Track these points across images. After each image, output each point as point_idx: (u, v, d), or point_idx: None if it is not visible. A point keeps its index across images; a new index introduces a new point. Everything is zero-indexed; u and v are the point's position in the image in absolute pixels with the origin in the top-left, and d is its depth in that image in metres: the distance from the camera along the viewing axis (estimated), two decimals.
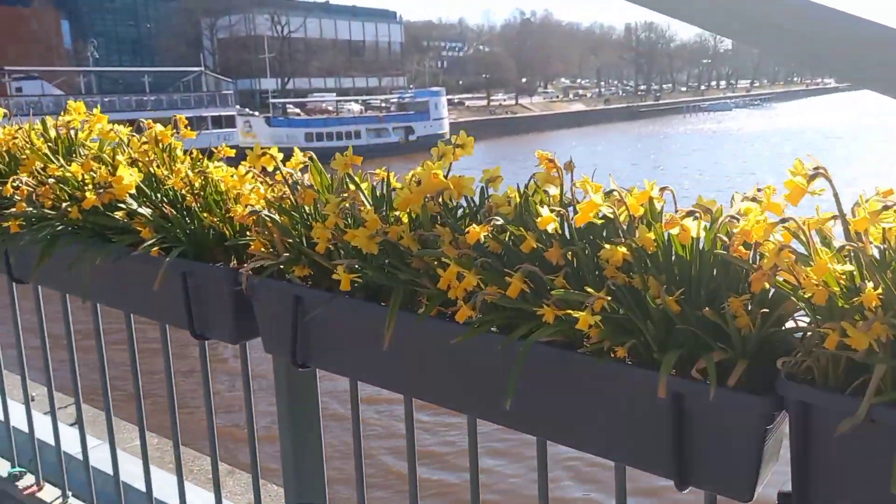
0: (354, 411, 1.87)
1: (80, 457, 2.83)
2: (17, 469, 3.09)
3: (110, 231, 1.89)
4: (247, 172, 1.77)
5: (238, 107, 65.00)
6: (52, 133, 2.20)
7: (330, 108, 72.90)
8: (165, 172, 1.86)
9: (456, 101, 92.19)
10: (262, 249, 1.67)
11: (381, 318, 1.45)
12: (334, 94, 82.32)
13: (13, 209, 1.94)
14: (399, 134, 67.25)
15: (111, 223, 1.86)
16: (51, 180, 1.92)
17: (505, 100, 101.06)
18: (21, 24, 65.69)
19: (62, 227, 1.93)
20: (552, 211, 1.22)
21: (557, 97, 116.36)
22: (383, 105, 75.28)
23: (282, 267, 1.65)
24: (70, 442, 2.93)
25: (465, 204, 1.52)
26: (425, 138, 68.57)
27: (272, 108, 65.72)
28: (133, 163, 1.87)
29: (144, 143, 1.93)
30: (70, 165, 1.93)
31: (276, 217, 1.65)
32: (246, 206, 1.72)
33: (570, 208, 1.30)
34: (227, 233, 1.81)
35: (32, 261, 2.11)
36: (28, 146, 2.14)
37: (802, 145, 56.50)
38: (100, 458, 2.82)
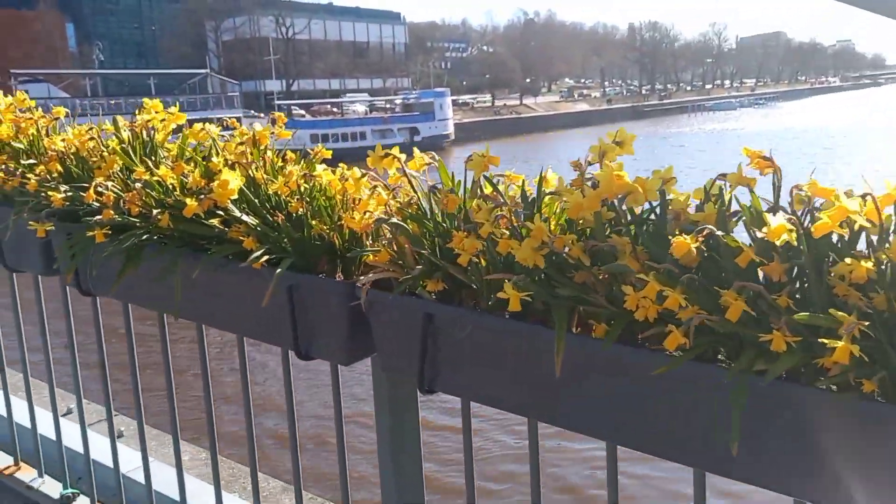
0: (467, 440, 1.72)
1: (137, 475, 2.68)
2: (70, 490, 2.91)
3: (204, 241, 1.71)
4: (363, 175, 1.59)
5: (243, 109, 65.05)
6: (125, 134, 2.02)
7: (335, 109, 72.86)
8: (267, 176, 1.68)
9: (460, 101, 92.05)
10: (386, 261, 1.49)
11: (544, 341, 1.27)
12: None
13: (98, 217, 1.76)
14: (404, 135, 67.11)
15: (205, 232, 1.68)
16: (137, 185, 1.74)
17: (510, 100, 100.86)
18: (26, 26, 65.65)
19: (148, 236, 1.76)
20: (786, 219, 1.03)
21: (566, 95, 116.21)
22: (388, 106, 75.25)
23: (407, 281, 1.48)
24: (126, 462, 2.76)
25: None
26: (430, 139, 68.53)
27: (277, 111, 65.44)
28: (231, 166, 1.69)
29: (240, 143, 1.75)
30: (158, 168, 1.75)
31: (406, 225, 1.47)
32: (365, 212, 1.54)
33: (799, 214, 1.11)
34: (337, 242, 1.63)
35: (107, 272, 1.93)
36: (103, 148, 1.97)
37: (806, 144, 56.26)
38: (160, 479, 2.65)
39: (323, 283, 1.61)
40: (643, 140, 70.06)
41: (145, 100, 2.04)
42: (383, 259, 1.49)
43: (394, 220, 1.46)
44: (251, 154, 1.71)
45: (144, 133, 1.96)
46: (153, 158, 1.91)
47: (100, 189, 1.76)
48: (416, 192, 1.49)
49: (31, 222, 1.99)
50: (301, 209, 1.61)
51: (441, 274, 1.44)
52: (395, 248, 1.48)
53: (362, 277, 1.51)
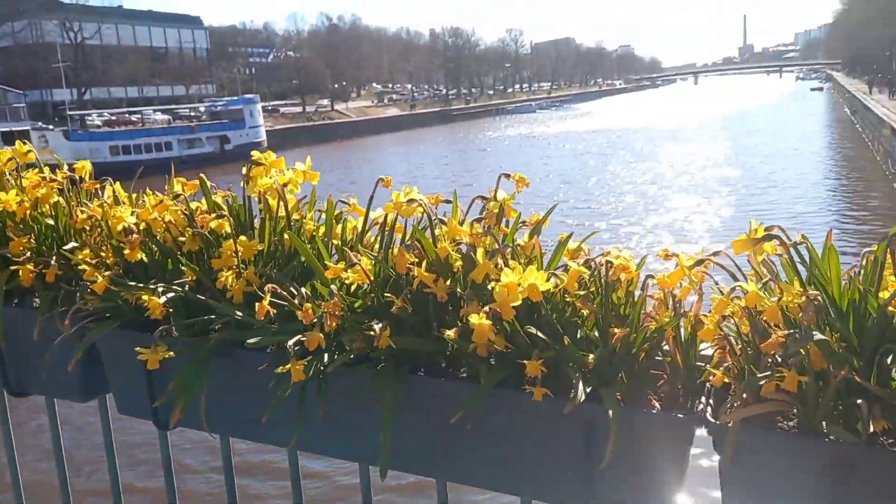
0: (228, 475, 1.83)
1: None
2: None
3: None
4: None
5: (30, 121, 59.93)
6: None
7: (134, 118, 69.04)
8: None
9: (270, 107, 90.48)
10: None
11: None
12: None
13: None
14: (214, 144, 64.97)
15: None
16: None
17: (320, 106, 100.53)
18: None
19: None
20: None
21: (378, 100, 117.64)
22: (193, 114, 72.23)
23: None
24: None
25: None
26: (242, 147, 66.75)
27: (70, 121, 61.16)
28: None
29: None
30: None
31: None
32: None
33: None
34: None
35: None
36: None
37: (597, 145, 61.32)
38: None
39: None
40: (454, 143, 72.74)
41: None
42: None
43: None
44: None
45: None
46: None
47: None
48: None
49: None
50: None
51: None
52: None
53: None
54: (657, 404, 1.27)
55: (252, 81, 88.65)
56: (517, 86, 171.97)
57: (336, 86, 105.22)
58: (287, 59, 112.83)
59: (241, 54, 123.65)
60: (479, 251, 1.28)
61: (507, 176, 1.50)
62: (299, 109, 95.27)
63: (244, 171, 1.56)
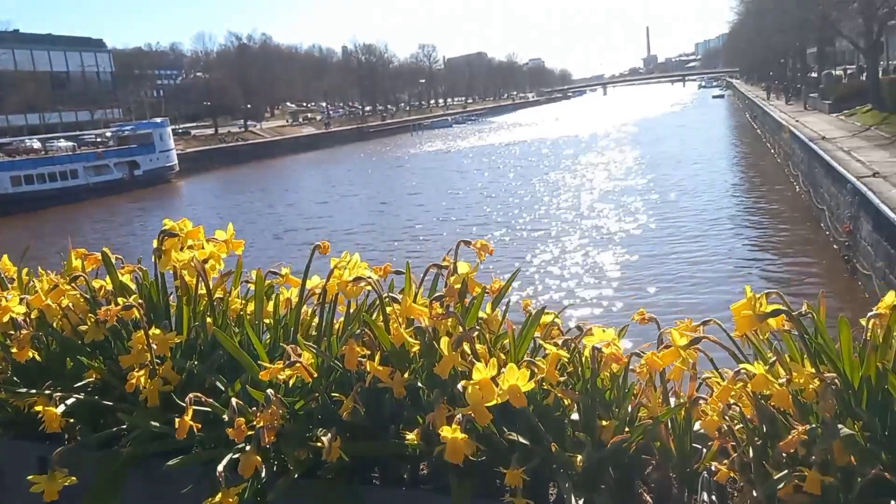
0: None
1: None
2: None
3: None
4: None
5: None
6: None
7: (36, 146, 65.90)
8: None
9: (180, 130, 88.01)
10: None
11: None
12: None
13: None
14: (123, 170, 62.60)
15: None
16: None
17: (233, 127, 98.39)
18: None
19: None
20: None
21: (292, 120, 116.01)
22: (99, 140, 69.45)
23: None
24: None
25: None
26: (152, 173, 64.66)
27: None
28: None
29: None
30: None
31: None
32: None
33: None
34: None
35: None
36: None
37: (515, 158, 62.13)
38: None
39: None
40: (371, 159, 72.36)
41: None
42: None
43: None
44: None
45: None
46: None
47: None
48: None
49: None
50: None
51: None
52: None
53: None
54: (649, 498, 1.11)
55: (161, 104, 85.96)
56: (432, 101, 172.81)
57: (249, 106, 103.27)
58: (197, 80, 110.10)
59: (147, 76, 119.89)
60: (443, 340, 1.09)
61: (468, 243, 1.31)
62: (212, 131, 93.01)
63: (154, 244, 1.32)
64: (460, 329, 1.14)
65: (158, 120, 71.45)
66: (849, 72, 59.16)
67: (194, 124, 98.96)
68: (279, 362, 1.14)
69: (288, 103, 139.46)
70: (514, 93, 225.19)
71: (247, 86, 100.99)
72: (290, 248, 29.46)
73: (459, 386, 1.01)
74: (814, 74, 60.50)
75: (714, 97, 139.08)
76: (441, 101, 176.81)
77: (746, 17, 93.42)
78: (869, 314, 1.09)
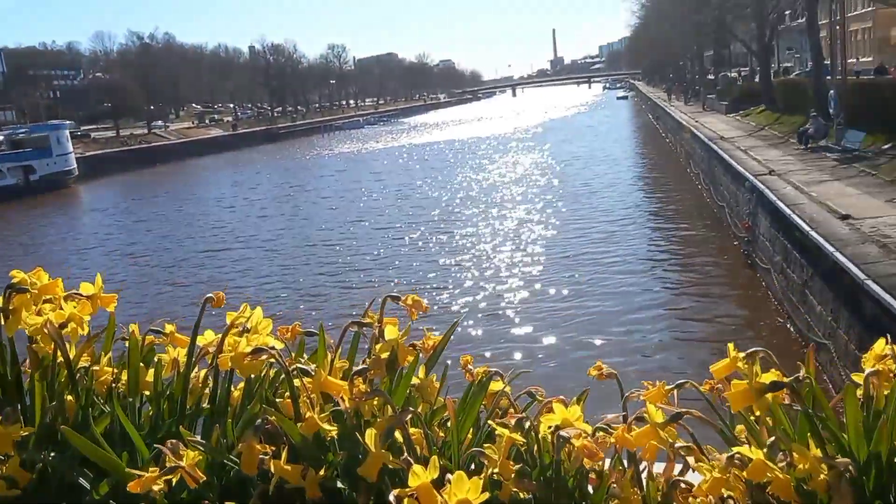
0: None
1: None
2: None
3: None
4: None
5: None
6: None
7: None
8: None
9: (80, 133, 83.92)
10: None
11: None
12: None
13: None
14: (17, 175, 59.08)
15: None
16: None
17: (137, 129, 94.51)
18: None
19: None
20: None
21: (199, 121, 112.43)
22: None
23: None
24: None
25: None
26: (49, 178, 61.38)
27: None
28: None
29: None
30: None
31: None
32: None
33: None
34: None
35: None
36: None
37: (428, 158, 62.20)
38: None
39: None
40: (284, 166, 70.89)
41: None
42: None
43: None
44: None
45: None
46: None
47: None
48: None
49: None
50: None
51: None
52: None
53: None
54: None
55: (58, 106, 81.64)
56: (343, 102, 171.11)
57: (153, 107, 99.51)
58: (96, 80, 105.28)
59: (43, 77, 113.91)
60: (369, 433, 0.86)
61: (395, 299, 1.09)
62: (113, 133, 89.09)
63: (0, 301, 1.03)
64: (389, 411, 0.91)
65: (55, 122, 67.88)
66: (743, 73, 62.04)
67: (94, 126, 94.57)
68: (154, 470, 0.88)
69: (194, 104, 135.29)
70: (426, 94, 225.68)
71: (150, 87, 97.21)
72: (194, 261, 28.40)
73: (392, 497, 0.78)
74: (711, 76, 63.03)
75: (618, 98, 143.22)
76: (352, 101, 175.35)
77: (647, 21, 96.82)
78: (866, 371, 0.93)
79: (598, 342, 15.21)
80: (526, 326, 16.33)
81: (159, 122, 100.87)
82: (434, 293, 19.82)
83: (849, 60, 26.63)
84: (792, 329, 14.19)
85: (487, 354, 14.95)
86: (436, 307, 18.85)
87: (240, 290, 21.43)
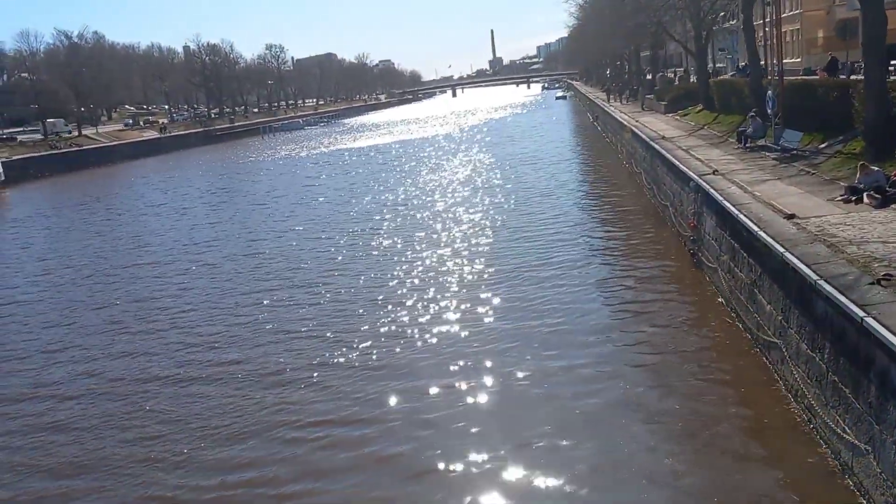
0: None
1: None
2: None
3: None
4: None
5: None
6: None
7: None
8: None
9: (5, 136, 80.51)
10: None
11: None
12: None
13: None
14: None
15: None
16: None
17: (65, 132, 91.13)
18: None
19: None
20: None
21: (132, 123, 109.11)
22: None
23: None
24: None
25: None
26: None
27: None
28: None
29: None
30: None
31: None
32: None
33: None
34: None
35: None
36: None
37: (370, 162, 61.84)
38: None
39: None
40: (220, 170, 69.38)
41: None
42: None
43: None
44: None
45: None
46: None
47: None
48: None
49: None
50: None
51: None
52: None
53: None
54: None
55: None
56: (282, 103, 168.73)
57: (83, 109, 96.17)
58: (21, 81, 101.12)
59: None
60: None
61: None
62: (41, 136, 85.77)
63: None
64: None
65: None
66: (678, 74, 63.42)
67: (20, 129, 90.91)
68: None
69: (127, 106, 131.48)
70: (366, 94, 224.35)
71: (79, 88, 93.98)
72: (114, 276, 27.37)
73: None
74: (648, 76, 64.22)
75: (557, 98, 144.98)
76: (291, 102, 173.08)
77: (585, 22, 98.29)
78: None
79: (535, 333, 15.20)
80: (467, 340, 16.08)
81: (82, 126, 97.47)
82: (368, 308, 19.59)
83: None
84: (741, 327, 14.41)
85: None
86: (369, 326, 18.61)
87: (161, 311, 20.63)
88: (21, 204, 54.70)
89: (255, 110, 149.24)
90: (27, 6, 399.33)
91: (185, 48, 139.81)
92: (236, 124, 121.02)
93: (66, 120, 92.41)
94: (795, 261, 10.87)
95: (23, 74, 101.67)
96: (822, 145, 21.11)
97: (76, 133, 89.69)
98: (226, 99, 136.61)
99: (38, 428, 13.52)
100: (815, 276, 10.00)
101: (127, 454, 12.07)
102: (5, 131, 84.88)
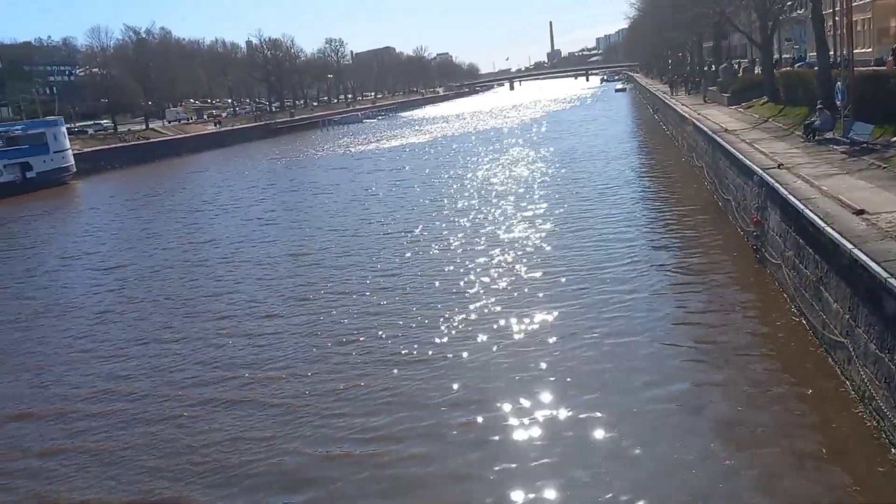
0: None
1: None
2: None
3: None
4: None
5: None
6: None
7: None
8: None
9: (76, 129, 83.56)
10: None
11: None
12: None
13: None
14: (14, 172, 58.87)
15: None
16: None
17: (134, 125, 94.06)
18: None
19: None
20: None
21: (194, 117, 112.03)
22: None
23: None
24: None
25: None
26: (47, 174, 61.18)
27: None
28: None
29: None
30: None
31: None
32: None
33: None
34: None
35: None
36: None
37: (430, 156, 62.00)
38: None
39: None
40: (281, 165, 70.50)
41: None
42: None
43: None
44: None
45: None
46: None
47: None
48: None
49: None
50: None
51: None
52: None
53: None
54: None
55: (54, 102, 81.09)
56: (341, 96, 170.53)
57: (150, 103, 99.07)
58: (93, 76, 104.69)
59: (38, 73, 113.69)
60: None
61: None
62: (111, 130, 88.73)
63: None
64: None
65: (51, 118, 67.53)
66: (743, 65, 61.75)
67: (92, 122, 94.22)
68: None
69: (191, 100, 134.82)
70: (424, 88, 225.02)
71: (147, 82, 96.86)
72: (196, 263, 28.21)
73: None
74: (707, 68, 62.71)
75: (617, 90, 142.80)
76: (350, 96, 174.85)
77: (645, 13, 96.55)
78: None
79: (597, 334, 15.07)
80: (535, 334, 16.14)
81: (175, 114, 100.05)
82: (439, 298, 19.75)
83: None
84: (806, 325, 14.06)
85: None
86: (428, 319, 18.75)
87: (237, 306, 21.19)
88: (92, 194, 56.75)
89: (315, 104, 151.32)
90: (99, 3, 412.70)
91: (248, 43, 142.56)
92: (296, 117, 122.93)
93: (134, 113, 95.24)
94: (865, 258, 10.56)
95: (94, 69, 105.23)
96: (894, 138, 20.36)
97: (143, 126, 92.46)
98: (286, 92, 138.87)
99: (117, 426, 13.83)
100: (885, 274, 9.70)
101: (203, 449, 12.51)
102: (77, 124, 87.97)
